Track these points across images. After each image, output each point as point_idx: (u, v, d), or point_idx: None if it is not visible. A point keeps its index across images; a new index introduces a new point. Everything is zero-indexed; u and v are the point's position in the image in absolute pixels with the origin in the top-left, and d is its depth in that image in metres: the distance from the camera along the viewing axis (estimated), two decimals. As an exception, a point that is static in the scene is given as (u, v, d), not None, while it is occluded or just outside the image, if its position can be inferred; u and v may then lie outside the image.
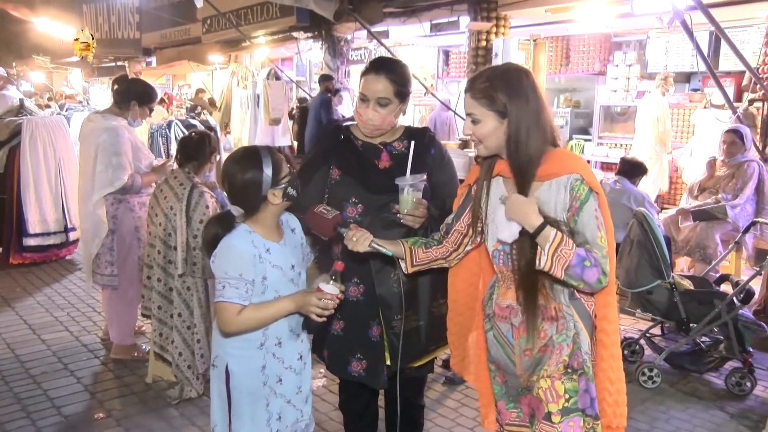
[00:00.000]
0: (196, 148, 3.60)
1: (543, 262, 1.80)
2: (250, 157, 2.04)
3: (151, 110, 4.25)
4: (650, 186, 7.31)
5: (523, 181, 1.89)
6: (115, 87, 4.18)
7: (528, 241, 1.87)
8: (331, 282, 1.98)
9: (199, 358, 3.54)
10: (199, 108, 10.62)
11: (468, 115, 1.93)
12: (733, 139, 5.23)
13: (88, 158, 4.02)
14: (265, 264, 2.01)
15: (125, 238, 4.06)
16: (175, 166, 3.70)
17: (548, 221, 1.82)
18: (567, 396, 1.93)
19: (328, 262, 2.30)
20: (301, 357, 2.18)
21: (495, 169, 2.02)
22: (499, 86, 1.86)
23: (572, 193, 1.87)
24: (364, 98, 2.32)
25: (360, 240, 2.04)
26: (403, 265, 2.13)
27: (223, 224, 2.05)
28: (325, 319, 2.02)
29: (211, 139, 3.70)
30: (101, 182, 3.93)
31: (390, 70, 2.31)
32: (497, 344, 2.07)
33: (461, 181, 2.50)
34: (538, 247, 1.82)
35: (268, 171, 2.00)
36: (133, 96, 4.06)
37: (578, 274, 1.81)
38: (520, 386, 2.05)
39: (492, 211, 2.02)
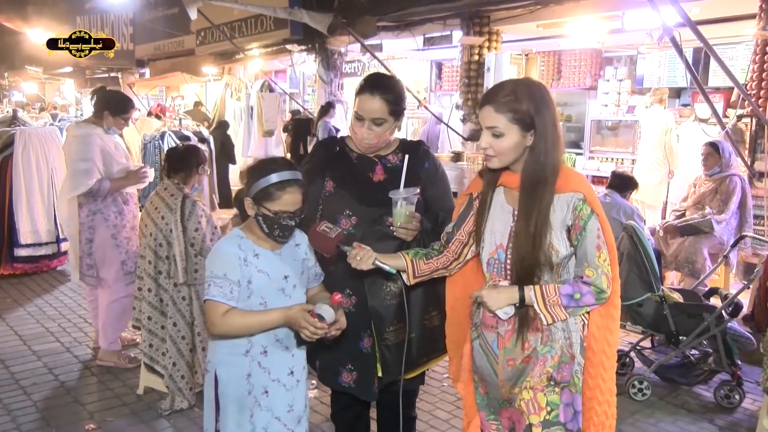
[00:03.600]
0: (180, 159, 3.67)
1: (545, 319, 1.91)
2: (263, 163, 2.10)
3: (125, 120, 4.36)
4: (655, 197, 7.31)
5: (532, 194, 1.90)
6: (93, 98, 4.34)
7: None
8: (327, 309, 1.98)
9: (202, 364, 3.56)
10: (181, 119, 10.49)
11: (489, 128, 1.91)
12: (710, 151, 5.36)
13: (66, 165, 4.26)
14: (250, 267, 2.04)
15: (102, 245, 4.15)
16: (152, 174, 3.87)
17: (521, 285, 1.93)
18: (549, 408, 1.95)
19: (328, 279, 2.34)
20: (292, 372, 2.16)
21: (500, 180, 2.03)
22: (525, 99, 1.88)
23: (575, 212, 1.90)
24: (359, 117, 2.33)
25: (364, 258, 2.04)
26: (405, 277, 2.14)
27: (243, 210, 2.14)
28: (313, 341, 2.01)
29: (199, 151, 3.78)
30: (67, 187, 4.12)
31: (385, 89, 2.31)
32: (482, 353, 2.09)
33: (455, 194, 2.53)
34: (536, 309, 1.91)
35: (257, 183, 2.03)
36: (105, 106, 4.19)
37: (577, 306, 1.91)
38: (502, 398, 2.07)
39: (491, 220, 2.04)
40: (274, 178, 2.02)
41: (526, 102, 1.87)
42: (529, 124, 1.88)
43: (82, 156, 4.02)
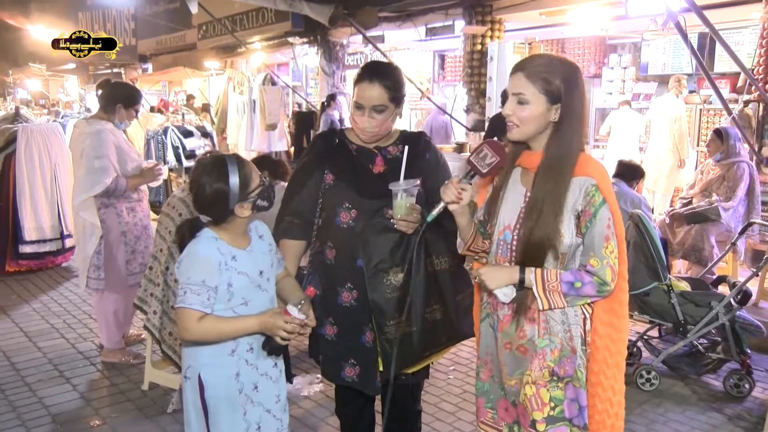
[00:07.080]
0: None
1: (542, 304, 1.86)
2: (217, 169, 1.98)
3: (137, 111, 4.28)
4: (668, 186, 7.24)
5: (549, 175, 1.86)
6: (100, 92, 4.22)
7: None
8: (299, 307, 1.98)
9: None
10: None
11: (515, 94, 1.88)
12: (712, 137, 5.36)
13: (75, 164, 4.09)
14: (230, 271, 1.99)
15: (111, 242, 4.06)
16: (166, 172, 3.73)
17: (522, 267, 1.88)
18: (552, 404, 1.90)
19: (319, 264, 2.35)
20: (276, 364, 2.16)
21: (518, 160, 1.99)
22: (558, 72, 1.85)
23: (587, 197, 1.85)
24: (359, 106, 2.30)
25: (460, 193, 1.92)
26: (460, 242, 2.08)
27: (192, 230, 2.04)
28: (288, 342, 2.00)
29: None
30: (82, 186, 3.95)
31: (383, 76, 2.28)
32: (490, 331, 2.07)
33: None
34: (533, 293, 1.86)
35: (234, 186, 1.96)
36: (118, 99, 4.09)
37: (576, 296, 1.86)
38: (503, 383, 2.04)
39: (504, 199, 2.01)
40: (232, 171, 1.97)
41: (558, 75, 1.84)
42: (557, 97, 1.84)
43: (97, 153, 3.88)
